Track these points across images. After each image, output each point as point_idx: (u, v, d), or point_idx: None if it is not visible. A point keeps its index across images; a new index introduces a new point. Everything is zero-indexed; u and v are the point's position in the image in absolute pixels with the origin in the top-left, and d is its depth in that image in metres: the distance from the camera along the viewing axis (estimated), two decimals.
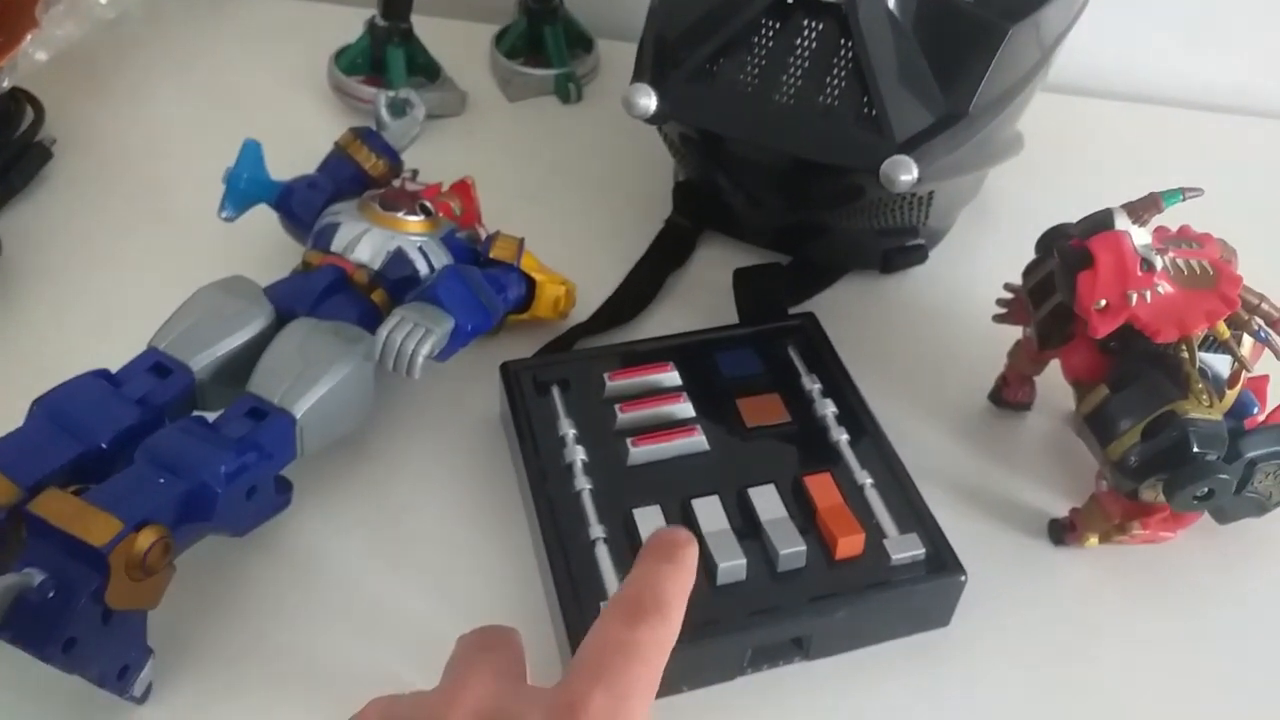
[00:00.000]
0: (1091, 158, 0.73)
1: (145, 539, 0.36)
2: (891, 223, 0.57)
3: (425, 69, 0.74)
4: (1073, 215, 0.48)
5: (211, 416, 0.44)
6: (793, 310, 0.58)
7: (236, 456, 0.41)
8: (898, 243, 0.62)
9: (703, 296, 0.61)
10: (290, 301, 0.48)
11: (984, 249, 0.64)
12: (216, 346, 0.45)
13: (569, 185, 0.69)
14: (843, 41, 0.50)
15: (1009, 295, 0.52)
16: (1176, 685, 0.44)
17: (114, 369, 0.44)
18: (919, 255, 0.62)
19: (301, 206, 0.55)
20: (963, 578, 0.44)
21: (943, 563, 0.44)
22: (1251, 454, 0.45)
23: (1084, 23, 0.59)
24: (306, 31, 0.78)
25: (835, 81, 0.50)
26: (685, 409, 0.49)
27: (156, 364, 0.44)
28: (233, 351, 0.46)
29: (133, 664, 0.39)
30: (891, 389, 0.54)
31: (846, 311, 0.59)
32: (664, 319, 0.60)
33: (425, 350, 0.45)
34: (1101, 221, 0.44)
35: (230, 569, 0.46)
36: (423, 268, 0.51)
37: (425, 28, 0.74)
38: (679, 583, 0.31)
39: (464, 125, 0.73)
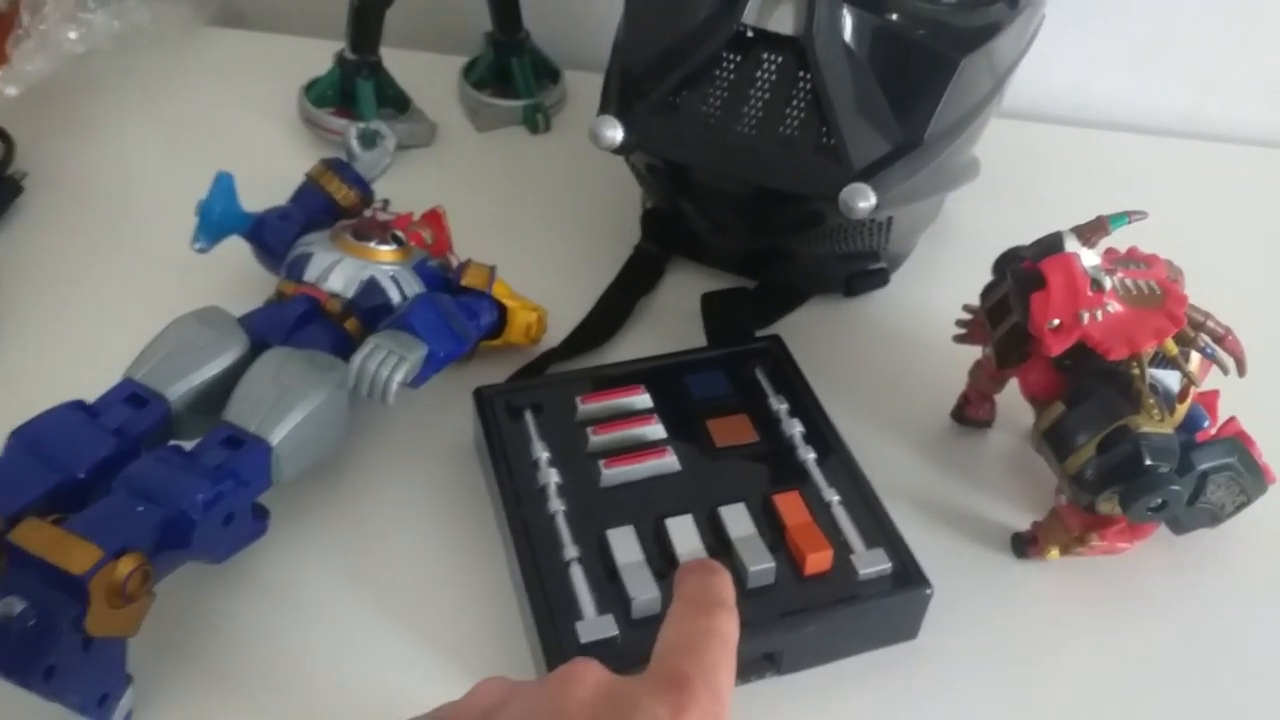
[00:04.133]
0: (1045, 181, 0.75)
1: (125, 566, 0.36)
2: (853, 247, 0.59)
3: (395, 101, 0.75)
4: (1029, 237, 0.49)
5: (188, 446, 0.44)
6: (759, 333, 0.59)
7: (213, 484, 0.41)
8: (860, 267, 0.63)
9: (672, 321, 0.62)
10: (264, 331, 0.49)
11: (944, 271, 0.66)
12: (192, 376, 0.46)
13: (539, 214, 0.70)
14: (801, 74, 0.52)
15: (968, 316, 0.54)
16: (1138, 692, 0.46)
17: (90, 400, 0.44)
18: (881, 279, 0.64)
19: (274, 237, 0.56)
20: (928, 591, 0.45)
21: (909, 577, 0.45)
22: (1203, 466, 0.47)
23: (1036, 52, 0.61)
24: (276, 64, 0.79)
25: (795, 112, 0.52)
26: (657, 430, 0.50)
27: (133, 394, 0.45)
28: (208, 381, 0.46)
29: (112, 692, 0.39)
30: (856, 409, 0.56)
31: (811, 334, 0.61)
32: (634, 343, 0.61)
33: (399, 377, 0.46)
34: (1052, 244, 0.46)
35: (209, 596, 0.46)
36: (395, 296, 0.52)
37: (394, 60, 0.75)
38: (728, 587, 0.36)
39: (434, 156, 0.74)
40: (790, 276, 0.64)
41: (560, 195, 0.71)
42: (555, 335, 0.59)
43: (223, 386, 0.46)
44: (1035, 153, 0.77)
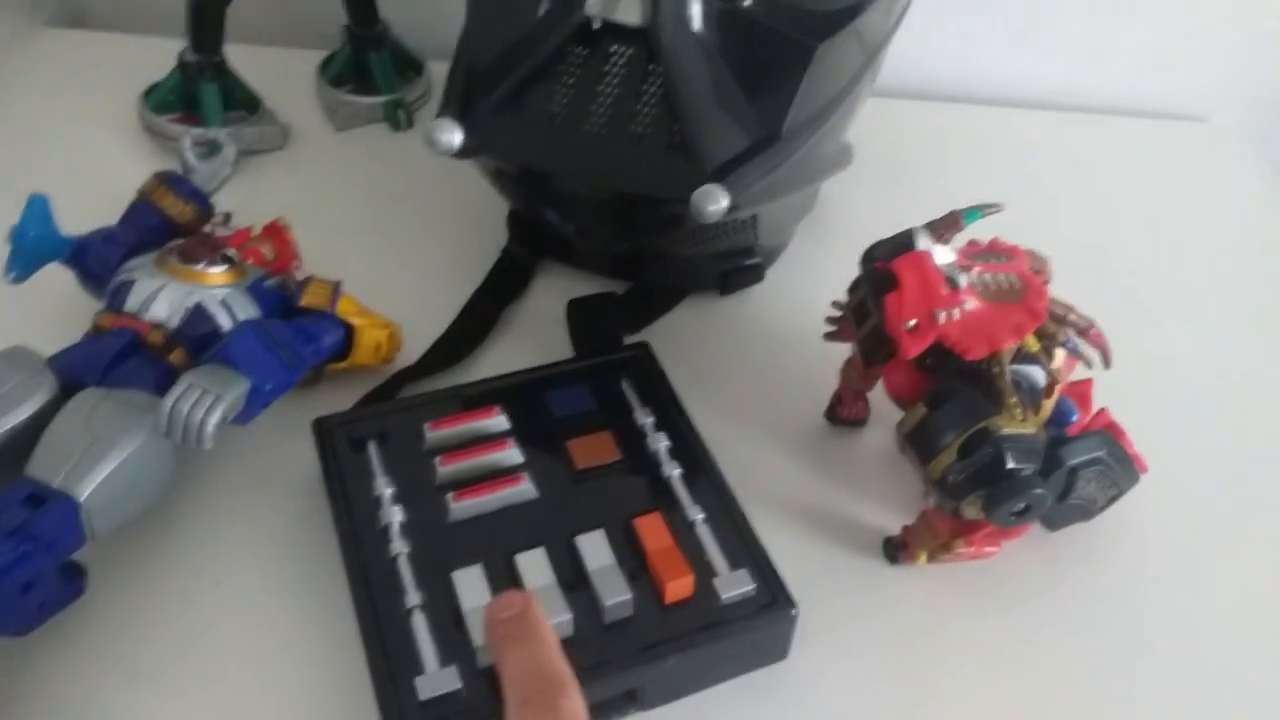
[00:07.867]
0: (927, 162, 0.73)
1: None
2: (721, 246, 0.57)
3: (244, 102, 0.70)
4: (911, 220, 0.47)
5: None
6: (631, 339, 0.57)
7: (11, 550, 0.38)
8: (734, 263, 0.61)
9: (542, 329, 0.59)
10: (78, 371, 0.45)
11: (822, 264, 0.64)
12: None
13: (401, 217, 0.66)
14: (651, 67, 0.49)
15: (837, 313, 0.52)
16: (1017, 692, 0.45)
17: None
18: (755, 274, 0.62)
19: (97, 263, 0.51)
20: (794, 611, 0.43)
21: (773, 597, 0.43)
22: (1072, 462, 0.45)
23: (914, 26, 0.59)
24: (119, 68, 0.74)
25: (645, 109, 0.49)
26: (512, 455, 0.48)
27: None
28: (10, 431, 0.42)
29: None
30: (729, 413, 0.54)
31: (686, 336, 0.58)
32: (501, 355, 0.58)
33: (214, 419, 0.42)
34: (904, 243, 0.44)
35: (26, 666, 0.42)
36: (226, 323, 0.48)
37: (244, 57, 0.70)
38: (550, 650, 0.35)
39: (288, 159, 0.70)
40: (664, 276, 0.61)
41: (424, 197, 0.68)
42: (416, 350, 0.56)
43: (28, 436, 0.42)
44: (915, 132, 0.76)
